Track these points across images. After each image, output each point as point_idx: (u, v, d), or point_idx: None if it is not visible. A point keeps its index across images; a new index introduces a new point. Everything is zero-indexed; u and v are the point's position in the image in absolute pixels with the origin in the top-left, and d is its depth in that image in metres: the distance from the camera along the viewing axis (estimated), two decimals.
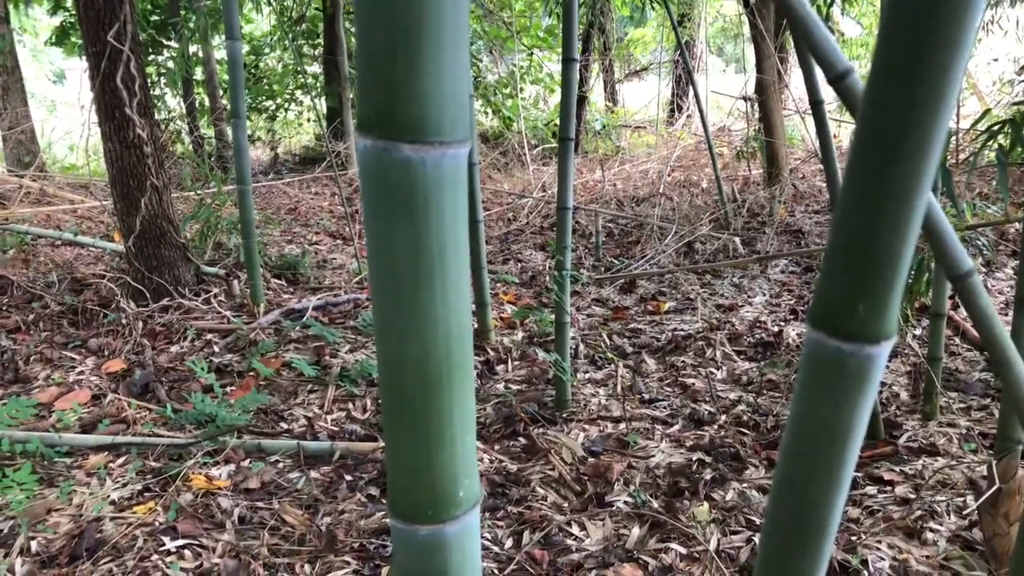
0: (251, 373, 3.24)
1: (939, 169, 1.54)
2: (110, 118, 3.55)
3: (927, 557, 1.95)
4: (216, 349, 3.49)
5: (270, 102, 10.07)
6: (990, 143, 1.78)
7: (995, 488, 1.73)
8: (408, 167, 0.54)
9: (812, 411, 0.47)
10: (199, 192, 5.19)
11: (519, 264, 5.33)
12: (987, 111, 2.10)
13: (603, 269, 5.05)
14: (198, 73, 9.04)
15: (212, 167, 6.32)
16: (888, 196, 0.40)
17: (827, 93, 2.20)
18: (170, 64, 8.55)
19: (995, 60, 8.73)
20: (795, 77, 9.77)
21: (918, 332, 3.59)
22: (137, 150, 3.61)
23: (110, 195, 3.98)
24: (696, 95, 6.24)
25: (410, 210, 0.55)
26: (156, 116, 3.91)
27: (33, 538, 2.15)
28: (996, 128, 1.71)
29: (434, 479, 0.63)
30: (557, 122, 9.35)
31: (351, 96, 8.81)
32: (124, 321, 3.66)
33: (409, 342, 0.59)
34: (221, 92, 8.61)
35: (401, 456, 0.63)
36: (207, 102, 8.82)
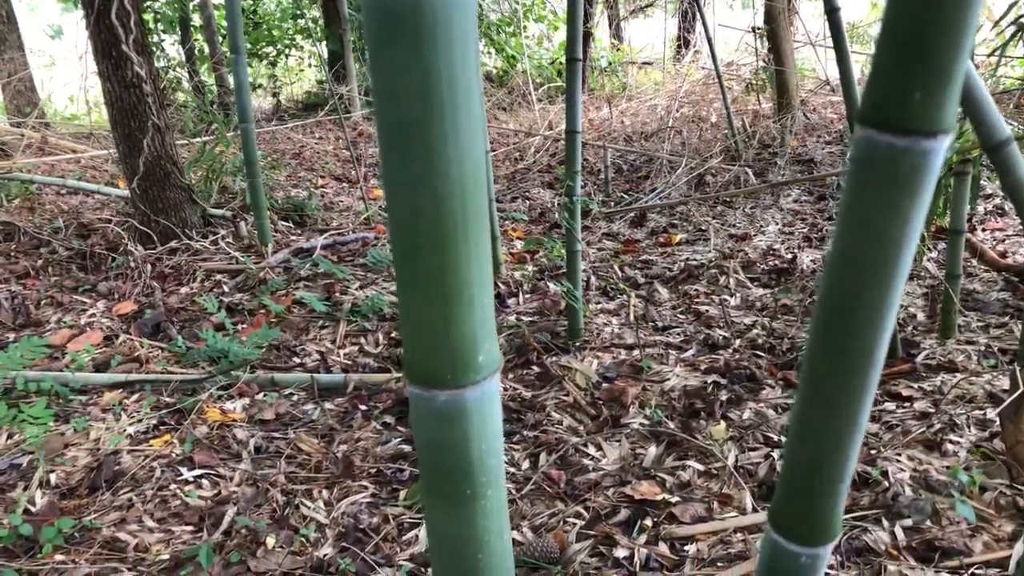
0: (262, 311, 3.23)
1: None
2: (107, 56, 3.48)
3: (947, 467, 1.94)
4: (226, 289, 3.48)
5: (270, 48, 9.91)
6: (1017, 36, 1.70)
7: (1018, 393, 1.70)
8: None
9: (861, 220, 0.43)
10: (202, 137, 5.13)
11: (527, 202, 5.27)
12: (1014, 4, 2.01)
13: (613, 204, 4.98)
14: (196, 19, 8.87)
15: (214, 113, 6.24)
16: None
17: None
18: (167, 12, 8.39)
19: None
20: (804, 8, 9.52)
21: (934, 255, 3.54)
22: (136, 89, 3.54)
23: (112, 138, 3.93)
24: (704, 26, 6.08)
25: (416, 40, 0.51)
26: (155, 64, 3.82)
27: (52, 471, 2.16)
28: None
29: (452, 341, 0.60)
30: (562, 60, 9.17)
31: (352, 39, 8.65)
32: (133, 264, 3.64)
33: (420, 189, 0.55)
34: (220, 39, 8.45)
35: (417, 318, 0.60)
36: (206, 48, 8.68)
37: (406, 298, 0.60)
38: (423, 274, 0.58)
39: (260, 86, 9.99)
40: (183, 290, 3.48)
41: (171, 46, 9.01)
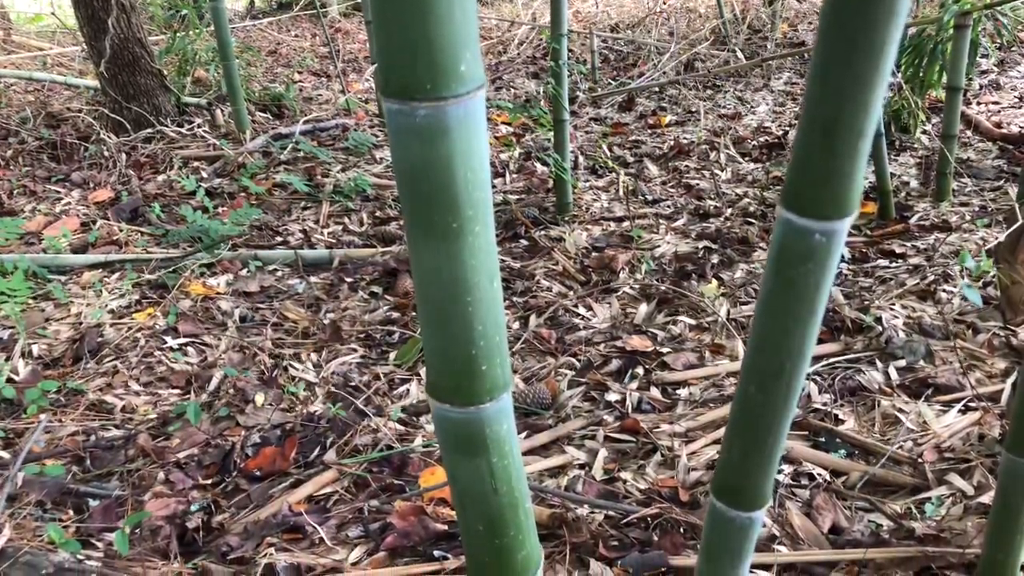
0: (242, 193, 3.14)
1: None
2: None
3: (941, 314, 1.93)
4: (204, 175, 3.38)
5: None
6: None
7: (1016, 227, 1.67)
8: None
9: None
10: (173, 25, 4.91)
11: (512, 91, 5.12)
12: None
13: (600, 91, 4.85)
14: None
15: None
16: None
17: None
18: None
19: None
20: None
21: (928, 127, 3.47)
22: None
23: (76, 22, 3.75)
24: None
25: None
26: None
27: (33, 344, 2.11)
28: None
29: (431, 41, 0.54)
30: None
31: None
32: (106, 153, 3.52)
33: None
34: None
35: (391, 13, 0.53)
36: None
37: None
38: None
39: None
40: (160, 178, 3.37)
41: None
